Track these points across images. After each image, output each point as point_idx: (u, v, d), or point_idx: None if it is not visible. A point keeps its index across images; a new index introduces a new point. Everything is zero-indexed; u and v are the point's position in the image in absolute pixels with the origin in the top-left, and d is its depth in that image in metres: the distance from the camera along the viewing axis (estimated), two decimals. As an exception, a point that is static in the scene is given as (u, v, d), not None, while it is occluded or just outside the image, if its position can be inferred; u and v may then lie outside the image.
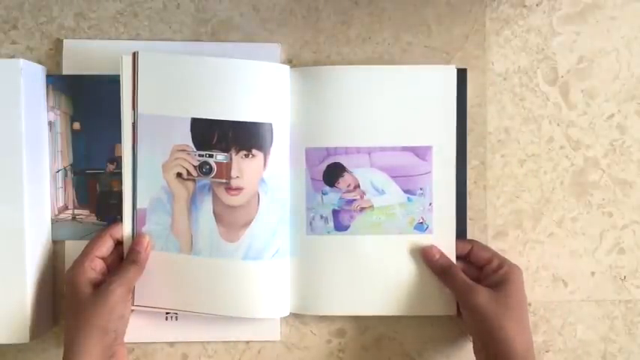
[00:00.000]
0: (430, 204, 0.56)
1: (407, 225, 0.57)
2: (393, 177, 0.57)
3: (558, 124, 0.59)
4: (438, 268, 0.56)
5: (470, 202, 0.59)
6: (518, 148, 0.59)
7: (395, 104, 0.56)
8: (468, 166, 0.59)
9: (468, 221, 0.58)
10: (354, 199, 0.57)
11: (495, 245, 0.59)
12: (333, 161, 0.57)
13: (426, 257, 0.56)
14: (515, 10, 0.59)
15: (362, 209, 0.57)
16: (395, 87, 0.56)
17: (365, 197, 0.57)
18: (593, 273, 0.60)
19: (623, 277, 0.60)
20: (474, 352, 0.54)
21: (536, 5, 0.59)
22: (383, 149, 0.56)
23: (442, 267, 0.55)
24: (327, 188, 0.57)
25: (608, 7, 0.59)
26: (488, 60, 0.59)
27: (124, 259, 0.54)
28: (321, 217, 0.57)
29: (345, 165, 0.57)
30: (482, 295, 0.52)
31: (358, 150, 0.56)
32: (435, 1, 0.59)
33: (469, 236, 0.58)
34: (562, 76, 0.59)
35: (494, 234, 0.59)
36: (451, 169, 0.57)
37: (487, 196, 0.59)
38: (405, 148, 0.56)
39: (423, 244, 0.56)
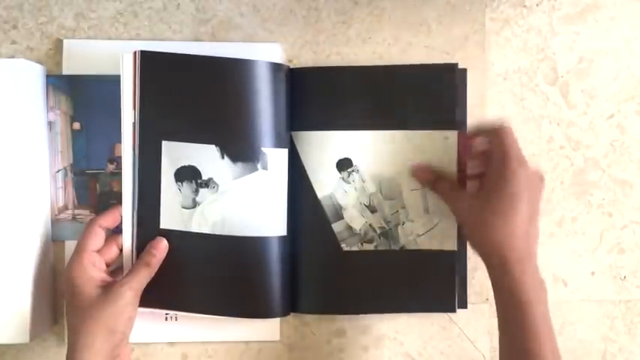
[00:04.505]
0: (430, 204, 0.57)
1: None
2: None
3: (558, 124, 0.59)
4: (428, 186, 0.55)
5: (470, 202, 0.58)
6: (518, 148, 0.59)
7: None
8: (468, 166, 0.59)
9: (468, 221, 0.58)
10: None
11: (495, 245, 0.59)
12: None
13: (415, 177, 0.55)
14: (515, 10, 0.59)
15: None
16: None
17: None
18: (593, 273, 0.60)
19: (623, 277, 0.60)
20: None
21: (536, 5, 0.59)
22: (383, 149, 0.56)
23: (429, 183, 0.55)
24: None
25: (608, 7, 0.59)
26: (488, 60, 0.59)
27: (137, 260, 0.52)
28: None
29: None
30: (461, 205, 0.50)
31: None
32: (435, 1, 0.59)
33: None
34: (562, 76, 0.59)
35: (494, 234, 0.59)
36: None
37: (487, 196, 0.59)
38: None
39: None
